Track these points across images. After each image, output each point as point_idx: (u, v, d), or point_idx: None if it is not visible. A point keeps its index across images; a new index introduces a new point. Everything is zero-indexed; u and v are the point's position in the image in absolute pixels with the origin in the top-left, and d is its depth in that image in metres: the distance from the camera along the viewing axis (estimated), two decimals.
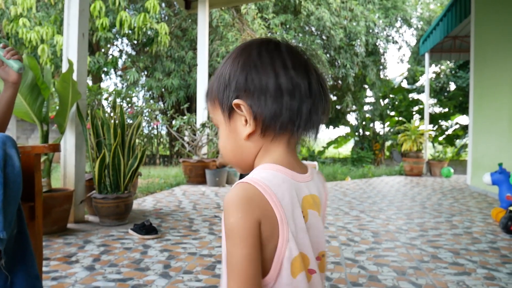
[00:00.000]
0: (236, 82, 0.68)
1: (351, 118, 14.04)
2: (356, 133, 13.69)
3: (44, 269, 2.27)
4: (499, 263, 2.49)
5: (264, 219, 0.62)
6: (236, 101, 0.67)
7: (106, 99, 5.60)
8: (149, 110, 6.86)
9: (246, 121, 0.68)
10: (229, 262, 0.62)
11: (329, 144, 14.12)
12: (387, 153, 13.57)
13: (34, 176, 1.64)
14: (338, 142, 14.13)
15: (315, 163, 7.24)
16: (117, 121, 3.47)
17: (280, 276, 0.64)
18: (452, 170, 8.22)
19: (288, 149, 0.71)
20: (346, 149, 15.91)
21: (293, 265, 0.64)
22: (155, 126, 10.76)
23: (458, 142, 13.51)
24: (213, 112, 0.75)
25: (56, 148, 1.70)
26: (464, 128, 12.87)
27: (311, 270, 0.68)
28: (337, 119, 13.73)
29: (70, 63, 3.17)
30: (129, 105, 5.94)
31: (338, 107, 13.33)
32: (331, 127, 14.19)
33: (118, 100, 5.81)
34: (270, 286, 0.64)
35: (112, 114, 3.67)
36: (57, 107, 3.34)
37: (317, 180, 0.75)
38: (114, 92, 5.74)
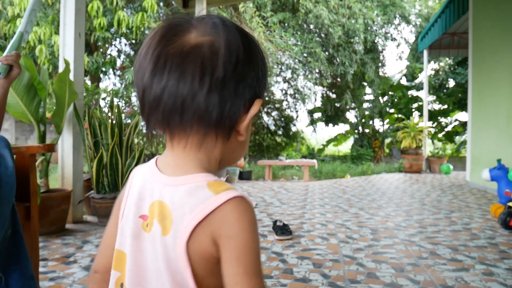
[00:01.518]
0: (257, 75, 0.62)
1: (351, 115, 14.03)
2: (356, 131, 13.69)
3: (41, 269, 2.27)
4: (497, 259, 2.49)
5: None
6: (260, 99, 0.64)
7: (104, 99, 5.59)
8: None
9: None
10: (255, 278, 0.53)
11: (328, 142, 14.11)
12: (387, 151, 13.57)
13: (29, 176, 1.64)
14: (337, 140, 14.12)
15: (315, 161, 7.23)
16: (114, 121, 3.47)
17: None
18: (451, 167, 8.22)
19: (171, 148, 0.61)
20: (345, 147, 15.90)
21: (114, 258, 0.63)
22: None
23: (458, 139, 13.51)
24: None
25: (51, 148, 1.69)
26: (464, 125, 12.86)
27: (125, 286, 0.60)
28: (336, 117, 13.72)
29: (67, 63, 3.16)
30: (127, 104, 5.93)
31: (337, 105, 13.32)
32: (330, 125, 14.18)
33: (115, 99, 5.80)
34: None
35: (109, 114, 3.66)
36: (54, 107, 3.33)
37: (188, 195, 0.56)
38: (111, 91, 5.73)
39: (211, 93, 0.54)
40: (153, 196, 0.58)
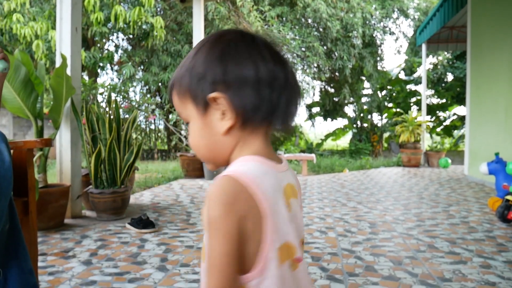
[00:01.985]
0: (213, 74, 0.65)
1: (349, 110, 14.05)
2: (354, 125, 13.70)
3: (40, 264, 2.27)
4: (495, 252, 2.50)
5: (248, 214, 0.60)
6: (213, 94, 0.64)
7: (101, 94, 5.57)
8: (146, 105, 6.83)
9: (223, 114, 0.65)
10: (210, 257, 0.60)
11: (327, 136, 14.13)
12: (385, 145, 13.59)
13: (27, 171, 1.63)
14: (336, 134, 14.14)
15: (313, 155, 7.24)
16: (112, 116, 3.46)
17: (267, 269, 0.63)
18: (449, 161, 8.24)
19: (266, 141, 0.70)
20: (344, 141, 15.93)
21: (279, 255, 0.64)
22: (152, 121, 10.74)
23: (456, 133, 13.54)
24: (181, 107, 0.70)
25: (48, 142, 1.69)
26: (462, 119, 12.88)
27: (297, 259, 0.68)
28: (335, 111, 13.72)
29: (64, 57, 3.15)
30: (124, 99, 5.92)
31: (336, 99, 13.31)
32: (329, 119, 14.19)
33: (113, 94, 5.78)
34: (255, 281, 0.62)
35: (107, 109, 3.65)
36: (52, 103, 3.32)
37: (290, 170, 0.74)
38: (109, 86, 5.71)
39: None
40: (283, 182, 0.68)
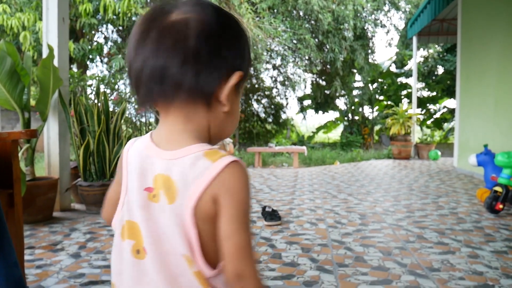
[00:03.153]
0: (237, 51, 0.67)
1: (340, 103, 14.05)
2: (345, 118, 13.73)
3: (28, 257, 2.24)
4: (483, 242, 2.52)
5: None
6: (240, 72, 0.67)
7: (90, 86, 5.51)
8: (136, 98, 6.76)
9: None
10: (244, 245, 0.60)
11: (318, 129, 14.15)
12: (376, 137, 13.65)
13: (11, 163, 1.60)
14: (327, 127, 14.17)
15: (304, 148, 7.25)
16: (101, 108, 3.42)
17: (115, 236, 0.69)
18: (439, 153, 8.30)
19: (162, 122, 0.66)
20: (335, 134, 15.97)
21: (123, 230, 0.67)
22: (142, 113, 10.66)
23: (446, 126, 13.63)
24: None
25: (33, 134, 1.66)
26: (452, 112, 12.97)
27: (145, 249, 0.64)
28: (326, 104, 13.72)
29: (50, 48, 3.10)
30: (113, 91, 5.85)
31: (327, 92, 13.31)
32: (320, 112, 14.20)
33: (102, 86, 5.72)
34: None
35: (95, 101, 3.60)
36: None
37: (189, 166, 0.61)
38: (97, 77, 5.64)
39: (184, 64, 0.60)
40: (155, 170, 0.63)
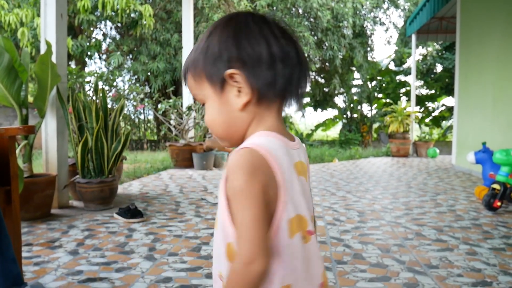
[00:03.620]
0: (228, 52, 0.69)
1: (339, 100, 14.07)
2: (344, 116, 13.73)
3: (26, 254, 2.24)
4: (481, 239, 2.53)
5: (268, 182, 0.64)
6: (230, 71, 0.68)
7: (88, 82, 5.49)
8: (134, 94, 6.75)
9: (239, 91, 0.69)
10: (240, 224, 0.63)
11: (317, 127, 14.15)
12: (375, 135, 13.66)
13: (9, 159, 1.60)
14: (326, 124, 14.17)
15: (303, 145, 7.24)
16: (99, 105, 3.40)
17: (277, 237, 0.66)
18: (437, 151, 8.31)
19: (279, 117, 0.73)
20: (334, 132, 15.97)
21: (290, 226, 0.67)
22: (140, 110, 10.63)
23: (444, 124, 13.65)
24: (197, 88, 0.74)
25: (31, 130, 1.65)
26: (450, 110, 12.98)
27: (309, 231, 0.71)
28: (325, 102, 13.73)
29: (48, 44, 3.09)
30: (111, 88, 5.84)
31: (326, 89, 13.31)
32: (319, 109, 14.20)
33: (100, 83, 5.70)
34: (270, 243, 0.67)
35: (94, 98, 3.59)
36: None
37: (302, 149, 0.76)
38: (95, 74, 5.62)
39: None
40: (294, 159, 0.71)
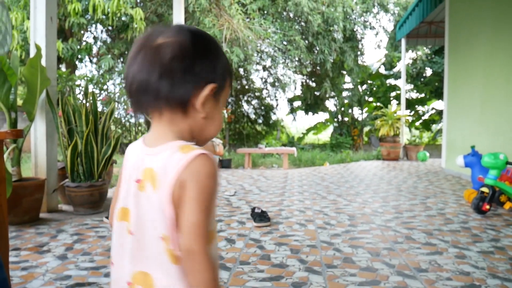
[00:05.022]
0: (213, 67, 0.80)
1: (330, 104, 14.12)
2: (335, 119, 13.79)
3: (14, 259, 2.21)
4: (470, 242, 2.55)
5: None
6: (213, 84, 0.78)
7: (78, 85, 5.45)
8: (125, 98, 6.70)
9: None
10: (199, 221, 0.70)
11: (308, 130, 14.18)
12: (366, 139, 13.74)
13: None
14: (317, 128, 14.21)
15: (294, 149, 7.26)
16: (89, 108, 3.38)
17: (113, 223, 0.82)
18: (427, 154, 8.38)
19: (154, 127, 0.79)
20: (325, 135, 16.03)
21: (120, 214, 0.80)
22: (131, 113, 10.57)
23: (434, 127, 13.77)
24: None
25: (19, 134, 1.64)
26: (440, 113, 13.10)
27: (130, 231, 0.78)
28: (316, 106, 13.77)
29: (38, 48, 3.06)
30: (102, 91, 5.80)
31: (317, 93, 13.36)
32: (310, 113, 14.24)
33: (91, 86, 5.66)
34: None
35: (84, 101, 3.57)
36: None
37: (165, 158, 0.74)
38: (86, 77, 5.58)
39: (161, 79, 0.73)
40: (144, 164, 0.76)
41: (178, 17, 6.45)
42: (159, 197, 0.72)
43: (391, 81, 13.81)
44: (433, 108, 14.12)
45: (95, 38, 11.19)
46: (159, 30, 0.77)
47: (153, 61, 0.74)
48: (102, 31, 11.27)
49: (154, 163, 0.74)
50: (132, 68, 0.75)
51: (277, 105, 13.25)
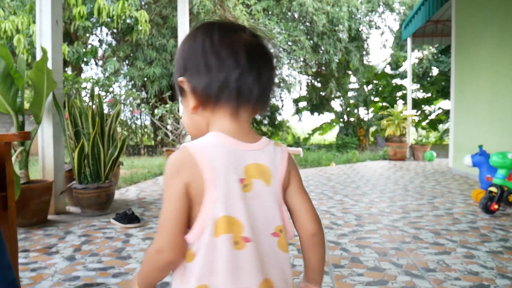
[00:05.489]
0: (179, 62, 0.77)
1: (336, 104, 14.09)
2: (341, 120, 13.75)
3: (23, 260, 2.23)
4: (478, 242, 2.53)
5: (192, 180, 0.68)
6: (179, 78, 0.76)
7: (84, 88, 5.48)
8: (131, 100, 6.74)
9: (189, 96, 0.76)
10: (160, 216, 0.70)
11: (314, 131, 14.16)
12: (372, 139, 13.69)
13: (4, 165, 1.59)
14: (323, 128, 14.18)
15: (300, 149, 7.25)
16: (95, 110, 3.40)
17: (202, 235, 0.69)
18: (434, 154, 8.33)
19: (233, 119, 0.75)
20: (331, 136, 15.99)
21: (216, 226, 0.69)
22: (137, 116, 10.62)
23: (441, 127, 13.69)
24: (177, 89, 0.81)
25: (27, 136, 1.65)
26: (447, 113, 13.02)
27: (245, 238, 0.70)
28: (321, 106, 13.75)
29: (44, 51, 3.08)
30: (107, 93, 5.83)
31: (322, 93, 13.33)
32: (315, 113, 14.22)
33: (96, 89, 5.69)
34: (195, 247, 0.69)
35: (90, 104, 3.59)
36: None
37: (271, 152, 0.78)
38: (91, 80, 5.62)
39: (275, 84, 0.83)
40: (246, 161, 0.73)
41: (183, 19, 6.47)
42: (274, 190, 0.76)
43: (397, 81, 13.76)
44: (439, 108, 14.04)
45: (100, 41, 11.26)
46: (263, 39, 0.80)
47: (273, 69, 0.79)
48: (107, 34, 11.34)
49: (263, 158, 0.75)
50: (263, 73, 0.76)
51: (282, 105, 13.25)
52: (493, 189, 3.26)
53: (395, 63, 13.97)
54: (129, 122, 10.71)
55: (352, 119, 13.68)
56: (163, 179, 0.73)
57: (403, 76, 13.38)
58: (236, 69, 0.72)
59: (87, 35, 10.05)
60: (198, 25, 0.78)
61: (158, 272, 0.72)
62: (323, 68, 12.45)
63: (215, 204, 0.69)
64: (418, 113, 13.58)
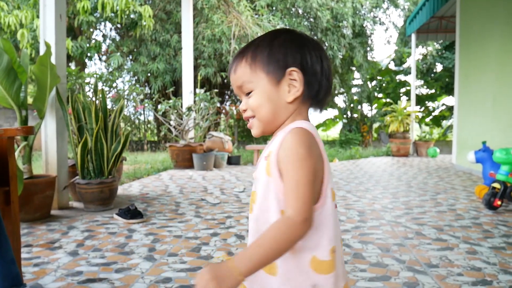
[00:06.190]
0: (293, 57, 0.85)
1: (339, 100, 14.06)
2: (344, 116, 13.73)
3: (26, 255, 2.24)
4: (481, 238, 2.52)
5: (318, 156, 0.80)
6: (293, 68, 0.84)
7: (88, 83, 5.49)
8: (134, 95, 6.74)
9: (289, 86, 0.84)
10: (297, 185, 0.75)
11: (317, 127, 14.14)
12: (375, 135, 13.65)
13: (7, 160, 1.60)
14: (326, 124, 14.17)
15: None
16: (98, 105, 3.40)
17: (326, 203, 0.82)
18: (438, 150, 8.31)
19: (307, 113, 0.91)
20: (334, 132, 15.97)
21: (332, 194, 0.84)
22: (140, 111, 10.63)
23: (445, 123, 13.64)
24: (250, 76, 0.86)
25: (29, 130, 1.65)
26: (451, 109, 12.97)
27: (336, 205, 0.87)
28: None
29: (48, 45, 3.08)
30: (111, 89, 5.83)
31: None
32: (319, 109, 14.18)
33: (100, 84, 5.69)
34: (317, 212, 0.80)
35: (93, 99, 3.59)
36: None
37: None
38: (95, 75, 5.62)
39: None
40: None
41: (187, 14, 6.46)
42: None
43: (401, 77, 13.70)
44: (443, 104, 13.98)
45: (104, 36, 11.27)
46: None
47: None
48: (111, 29, 11.35)
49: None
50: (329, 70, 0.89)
51: None
52: (496, 185, 3.25)
53: (399, 59, 13.91)
54: (133, 118, 10.73)
55: (355, 115, 13.65)
56: (298, 152, 0.77)
57: (407, 72, 13.32)
58: (328, 78, 0.89)
59: (91, 30, 10.05)
60: (304, 34, 0.90)
61: (292, 244, 0.76)
62: None
63: (329, 176, 0.82)
64: (421, 109, 13.53)
